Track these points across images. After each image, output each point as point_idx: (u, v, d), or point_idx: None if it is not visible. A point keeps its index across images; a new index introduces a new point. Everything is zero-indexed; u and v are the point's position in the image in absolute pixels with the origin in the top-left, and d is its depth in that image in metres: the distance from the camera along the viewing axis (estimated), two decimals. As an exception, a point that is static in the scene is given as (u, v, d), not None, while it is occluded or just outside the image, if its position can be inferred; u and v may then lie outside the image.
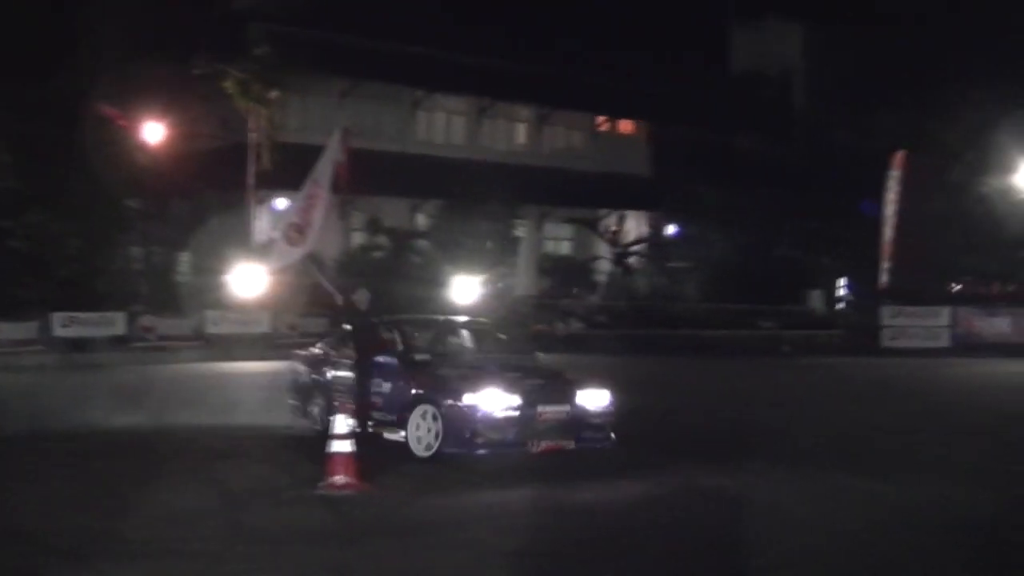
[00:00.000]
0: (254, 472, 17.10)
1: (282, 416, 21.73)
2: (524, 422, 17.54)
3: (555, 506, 14.76)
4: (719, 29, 72.81)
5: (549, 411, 17.85)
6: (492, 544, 12.70)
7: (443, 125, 63.39)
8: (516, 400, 17.56)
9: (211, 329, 44.58)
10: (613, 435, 18.51)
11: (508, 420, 17.46)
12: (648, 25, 64.64)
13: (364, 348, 19.89)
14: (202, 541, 12.60)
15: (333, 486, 15.02)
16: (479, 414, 17.35)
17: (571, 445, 17.93)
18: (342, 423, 15.29)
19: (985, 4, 59.56)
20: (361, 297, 20.74)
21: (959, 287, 56.46)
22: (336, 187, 47.00)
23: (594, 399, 18.37)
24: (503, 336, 22.62)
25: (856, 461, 18.57)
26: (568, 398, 18.16)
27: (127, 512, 13.96)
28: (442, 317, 24.79)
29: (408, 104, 60.54)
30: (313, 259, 34.43)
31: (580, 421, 18.15)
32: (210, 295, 46.00)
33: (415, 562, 12.02)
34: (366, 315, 20.59)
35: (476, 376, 18.30)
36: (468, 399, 17.44)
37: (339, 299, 22.50)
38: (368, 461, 15.63)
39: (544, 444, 17.66)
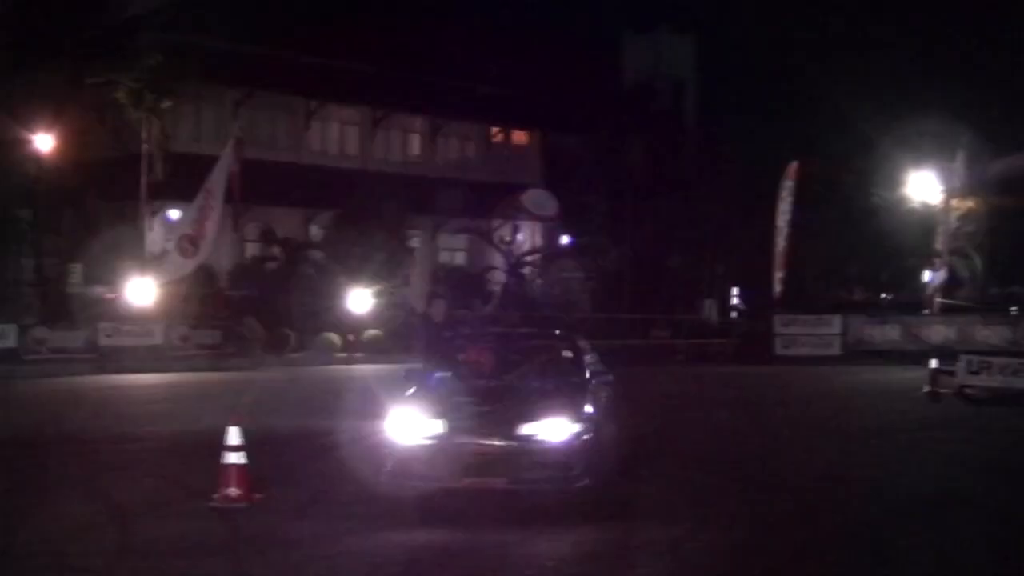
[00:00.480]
0: (147, 484, 17.04)
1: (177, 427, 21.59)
2: (443, 454, 14.83)
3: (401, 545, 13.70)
4: (611, 40, 73.30)
5: (477, 443, 14.83)
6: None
7: (337, 135, 63.25)
8: (437, 428, 15.00)
9: (104, 341, 44.15)
10: (586, 479, 14.91)
11: (422, 450, 14.94)
12: (541, 35, 64.97)
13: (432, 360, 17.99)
14: (92, 556, 12.57)
15: (227, 498, 15.01)
16: (386, 442, 15.30)
17: (501, 484, 14.76)
18: (235, 435, 15.24)
19: (875, 16, 60.48)
20: (436, 309, 19.84)
21: (863, 295, 57.37)
22: (230, 197, 47.08)
23: (548, 430, 14.92)
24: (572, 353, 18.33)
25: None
26: (507, 429, 14.94)
27: (19, 524, 13.87)
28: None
29: (302, 114, 60.36)
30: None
31: (520, 457, 14.79)
32: (102, 307, 45.66)
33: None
34: (440, 327, 19.19)
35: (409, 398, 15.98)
36: (384, 424, 15.50)
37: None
38: (259, 473, 15.61)
39: (466, 481, 14.77)
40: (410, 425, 15.15)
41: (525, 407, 15.40)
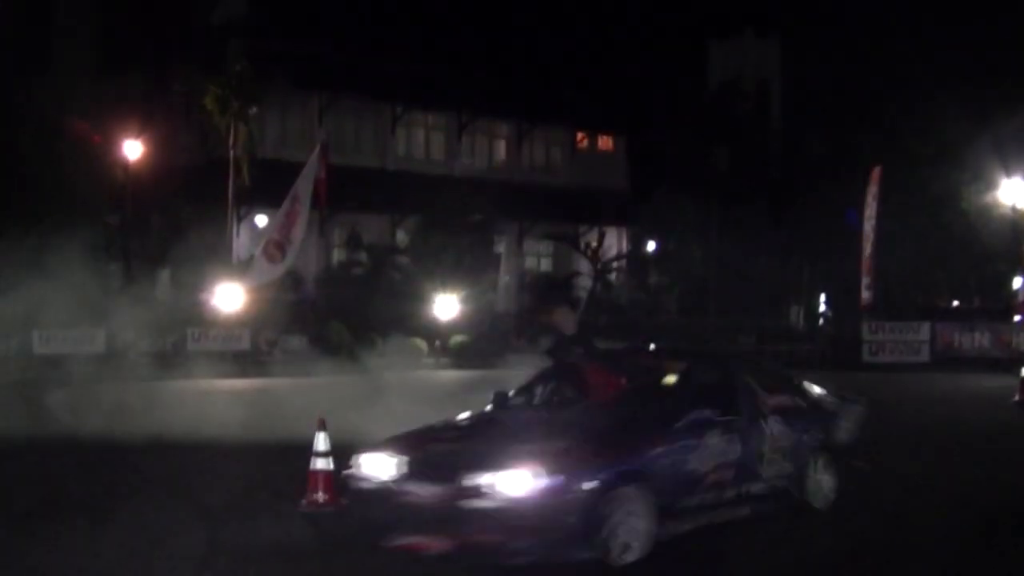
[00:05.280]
0: (235, 488, 17.02)
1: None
2: (382, 504, 12.14)
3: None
4: (696, 44, 73.11)
5: (416, 492, 11.83)
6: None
7: (422, 140, 63.42)
8: (390, 471, 12.28)
9: (192, 346, 44.40)
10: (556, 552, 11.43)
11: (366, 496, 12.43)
12: (627, 40, 64.88)
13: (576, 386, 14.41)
14: (180, 560, 12.55)
15: (315, 503, 14.96)
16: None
17: (438, 547, 11.56)
18: (323, 440, 15.17)
19: (963, 20, 59.81)
20: (565, 316, 15.83)
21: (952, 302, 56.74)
22: (316, 202, 47.23)
23: (508, 482, 11.38)
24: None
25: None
26: (450, 475, 11.65)
27: (106, 529, 13.89)
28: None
29: (388, 119, 60.52)
30: None
31: (467, 513, 11.36)
32: (190, 312, 45.91)
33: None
34: (572, 341, 15.27)
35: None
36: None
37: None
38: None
39: (401, 541, 11.81)
40: (372, 463, 12.57)
41: (495, 449, 12.06)
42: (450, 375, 41.09)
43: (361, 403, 23.86)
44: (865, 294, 50.89)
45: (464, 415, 14.14)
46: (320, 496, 14.91)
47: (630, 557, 11.68)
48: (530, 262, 65.44)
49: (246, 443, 21.36)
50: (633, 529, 11.78)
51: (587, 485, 11.44)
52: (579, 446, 11.94)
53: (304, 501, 14.96)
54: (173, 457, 19.74)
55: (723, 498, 13.06)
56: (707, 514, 12.82)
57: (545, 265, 66.02)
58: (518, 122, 65.28)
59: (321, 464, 15.05)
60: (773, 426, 13.84)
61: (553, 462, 11.49)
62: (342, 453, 14.50)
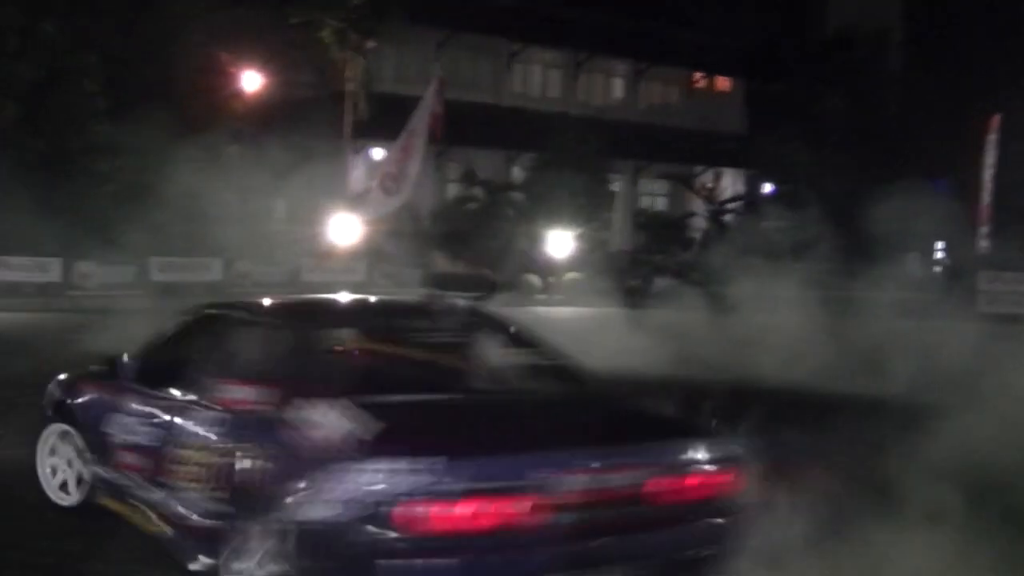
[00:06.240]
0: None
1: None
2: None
3: None
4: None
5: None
6: None
7: (539, 78, 63.24)
8: None
9: (306, 277, 44.69)
10: None
11: None
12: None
13: None
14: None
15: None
16: None
17: None
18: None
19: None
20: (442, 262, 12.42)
21: None
22: (432, 138, 47.25)
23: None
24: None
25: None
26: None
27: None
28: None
29: (504, 56, 60.40)
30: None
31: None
32: (305, 243, 46.25)
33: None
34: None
35: None
36: None
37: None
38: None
39: None
40: None
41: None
42: (563, 311, 41.10)
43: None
44: (983, 243, 50.21)
45: None
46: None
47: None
48: (645, 202, 65.19)
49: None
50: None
51: None
52: None
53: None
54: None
55: None
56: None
57: (660, 205, 65.75)
58: (635, 61, 64.95)
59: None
60: None
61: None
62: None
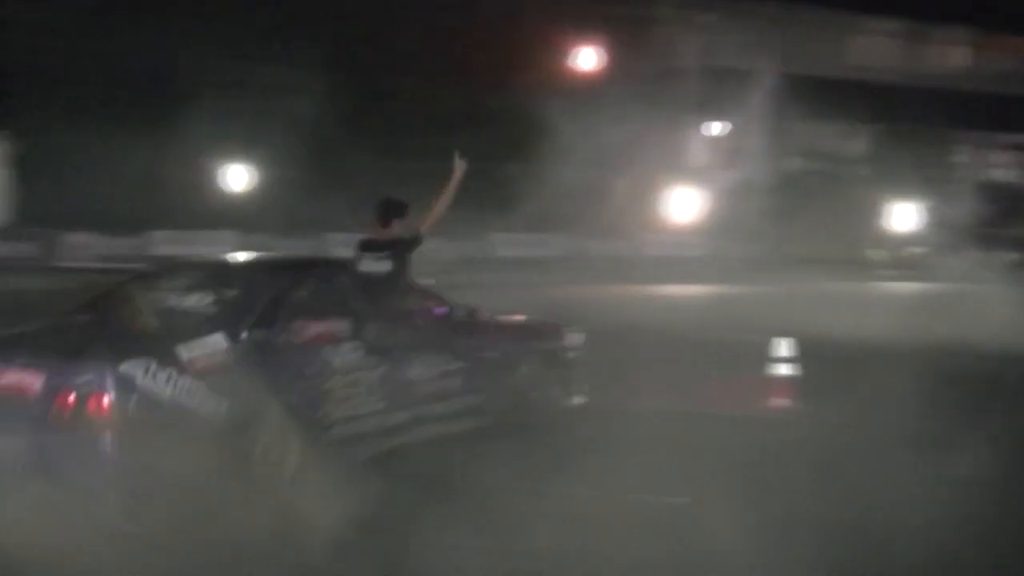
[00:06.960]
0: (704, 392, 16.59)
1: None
2: None
3: None
4: None
5: None
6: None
7: (878, 49, 62.09)
8: None
9: (648, 251, 44.84)
10: None
11: None
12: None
13: None
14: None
15: (772, 407, 14.75)
16: None
17: None
18: (783, 346, 14.93)
19: None
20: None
21: None
22: (770, 112, 46.92)
23: None
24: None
25: None
26: None
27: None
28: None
29: (841, 28, 59.47)
30: None
31: None
32: (645, 218, 46.44)
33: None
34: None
35: None
36: None
37: None
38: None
39: None
40: None
41: None
42: (908, 287, 40.33)
43: (828, 311, 23.45)
44: None
45: None
46: (779, 401, 14.72)
47: None
48: (991, 174, 63.43)
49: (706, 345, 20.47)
50: None
51: None
52: None
53: (762, 405, 14.70)
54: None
55: None
56: None
57: (1008, 177, 63.85)
58: (977, 30, 63.21)
59: (781, 369, 14.87)
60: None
61: None
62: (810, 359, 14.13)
